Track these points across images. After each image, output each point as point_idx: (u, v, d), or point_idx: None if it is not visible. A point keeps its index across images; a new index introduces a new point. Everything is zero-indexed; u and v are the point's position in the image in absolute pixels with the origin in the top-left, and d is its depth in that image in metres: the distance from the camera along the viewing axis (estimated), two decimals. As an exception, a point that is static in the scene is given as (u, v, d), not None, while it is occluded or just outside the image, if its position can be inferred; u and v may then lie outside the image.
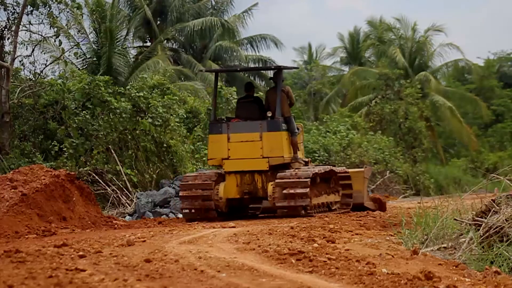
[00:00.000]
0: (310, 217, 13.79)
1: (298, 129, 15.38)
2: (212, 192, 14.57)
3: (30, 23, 20.64)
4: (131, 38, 30.50)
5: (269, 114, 14.85)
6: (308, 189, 14.09)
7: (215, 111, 15.65)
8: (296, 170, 14.68)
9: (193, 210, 14.61)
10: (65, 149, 20.27)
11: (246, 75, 40.92)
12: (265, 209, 15.55)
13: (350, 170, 16.78)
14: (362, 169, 17.21)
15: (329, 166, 16.14)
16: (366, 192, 16.86)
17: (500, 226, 7.93)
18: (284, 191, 14.15)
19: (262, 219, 13.99)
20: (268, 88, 15.90)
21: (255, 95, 16.14)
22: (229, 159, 14.74)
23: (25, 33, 20.94)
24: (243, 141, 14.72)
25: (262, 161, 14.64)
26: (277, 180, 14.33)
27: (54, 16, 20.45)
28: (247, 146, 14.69)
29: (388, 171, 32.51)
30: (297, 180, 14.18)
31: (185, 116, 24.77)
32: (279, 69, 15.44)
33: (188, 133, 24.29)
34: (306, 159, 15.98)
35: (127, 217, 17.61)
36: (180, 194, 14.95)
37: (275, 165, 14.67)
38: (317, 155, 30.23)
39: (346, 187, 15.93)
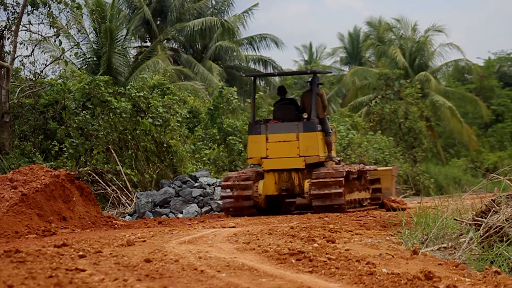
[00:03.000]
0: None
1: (331, 129, 16.35)
2: (252, 189, 15.57)
3: (30, 23, 20.64)
4: (130, 37, 30.43)
5: (305, 115, 15.96)
6: (342, 186, 15.09)
7: (254, 113, 16.71)
8: (331, 168, 15.73)
9: (233, 206, 15.63)
10: (65, 149, 20.26)
11: (245, 75, 40.90)
12: (299, 206, 16.49)
13: (379, 168, 17.98)
14: (391, 168, 18.34)
15: (361, 165, 17.16)
16: (394, 189, 17.93)
17: (500, 226, 7.93)
18: (320, 188, 15.11)
19: (265, 218, 14.02)
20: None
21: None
22: (267, 158, 15.81)
23: (25, 33, 20.96)
24: (281, 141, 15.77)
25: (299, 159, 15.68)
26: (313, 178, 15.31)
27: (54, 16, 20.44)
28: (285, 145, 15.74)
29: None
30: (332, 177, 15.20)
31: (187, 116, 24.76)
32: (314, 74, 16.37)
33: (190, 133, 24.29)
34: (339, 158, 17.04)
35: (127, 217, 17.60)
36: (221, 191, 15.99)
37: (311, 164, 15.70)
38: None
39: (376, 185, 17.13)
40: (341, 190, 15.01)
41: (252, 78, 18.13)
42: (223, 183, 15.88)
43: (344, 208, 15.09)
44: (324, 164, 15.98)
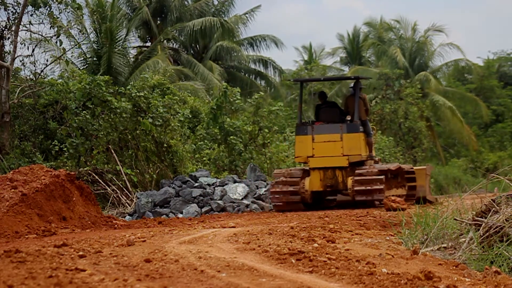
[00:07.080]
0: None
1: (372, 131, 17.62)
2: (299, 186, 16.93)
3: (30, 23, 20.63)
4: (132, 38, 30.47)
5: (348, 118, 17.27)
6: (383, 183, 16.38)
7: (301, 115, 18.10)
8: (372, 166, 17.04)
9: (281, 202, 16.94)
10: (65, 149, 20.25)
11: (246, 75, 40.93)
12: (340, 202, 17.90)
13: (414, 167, 19.08)
14: (425, 167, 19.40)
15: (397, 164, 18.30)
16: (428, 187, 19.00)
17: (500, 226, 7.92)
18: (363, 185, 16.41)
19: (262, 218, 14.01)
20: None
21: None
22: (313, 157, 17.18)
23: (26, 33, 20.96)
24: (326, 141, 17.11)
25: (342, 158, 17.05)
26: (356, 175, 16.64)
27: (55, 16, 20.43)
28: (329, 145, 17.08)
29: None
30: (374, 175, 16.53)
31: (189, 116, 24.75)
32: (357, 79, 17.83)
33: (192, 133, 24.28)
34: (377, 158, 18.33)
35: (127, 217, 17.60)
36: (270, 188, 17.30)
37: (353, 162, 17.05)
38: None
39: (411, 182, 18.37)
40: (382, 187, 16.27)
41: (299, 83, 19.40)
42: (273, 180, 17.11)
43: (383, 203, 15.89)
44: (365, 163, 17.21)
